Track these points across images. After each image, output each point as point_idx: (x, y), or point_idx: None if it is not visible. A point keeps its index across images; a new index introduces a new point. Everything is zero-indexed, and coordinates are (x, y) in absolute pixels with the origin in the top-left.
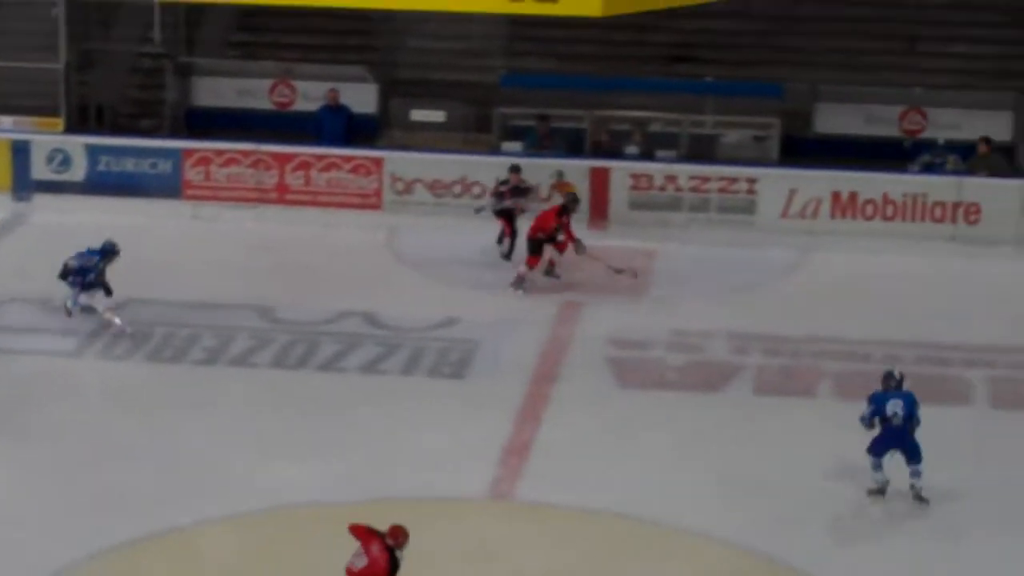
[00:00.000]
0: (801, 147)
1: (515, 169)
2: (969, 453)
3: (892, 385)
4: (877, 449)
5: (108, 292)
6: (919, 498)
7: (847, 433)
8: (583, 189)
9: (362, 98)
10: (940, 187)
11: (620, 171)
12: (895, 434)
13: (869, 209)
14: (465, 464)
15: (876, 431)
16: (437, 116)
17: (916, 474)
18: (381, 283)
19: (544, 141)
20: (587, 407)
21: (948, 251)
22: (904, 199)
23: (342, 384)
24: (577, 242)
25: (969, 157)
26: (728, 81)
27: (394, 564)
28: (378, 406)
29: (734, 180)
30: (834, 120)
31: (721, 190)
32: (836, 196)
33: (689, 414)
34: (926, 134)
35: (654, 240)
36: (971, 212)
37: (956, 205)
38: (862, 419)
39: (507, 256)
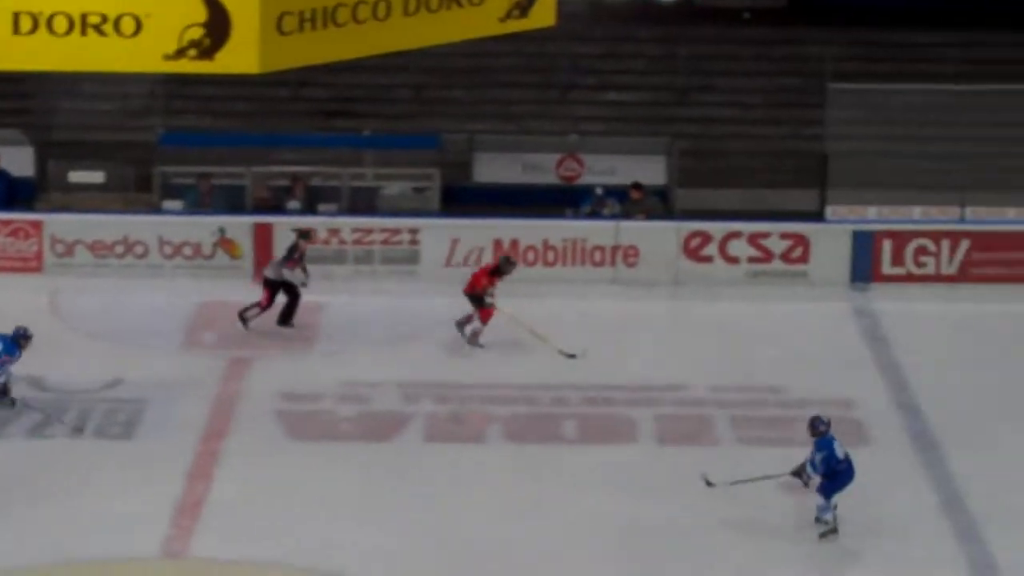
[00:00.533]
0: (461, 196)
1: (305, 235)
2: (639, 487)
3: (824, 430)
4: (831, 492)
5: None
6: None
7: (516, 476)
8: (247, 245)
9: (19, 161)
10: (598, 231)
11: (283, 226)
12: (848, 474)
13: (531, 255)
14: (137, 524)
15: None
16: (96, 177)
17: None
18: (45, 346)
19: (205, 198)
20: (258, 461)
21: (609, 293)
22: (564, 244)
23: (7, 450)
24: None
25: (624, 201)
26: (386, 134)
27: None
28: (46, 470)
29: (396, 231)
30: (492, 169)
31: (384, 241)
32: (498, 243)
33: (361, 463)
34: (583, 180)
35: (320, 293)
36: (629, 255)
37: (615, 248)
38: (811, 466)
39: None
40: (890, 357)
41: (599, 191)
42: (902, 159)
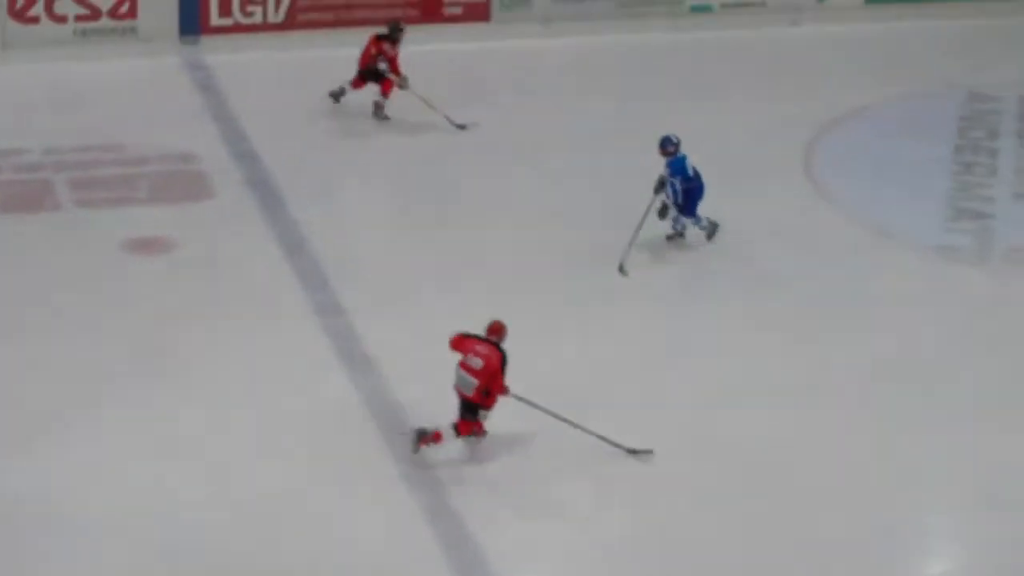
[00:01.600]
0: None
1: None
2: None
3: (673, 150)
4: (694, 209)
5: None
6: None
7: None
8: None
9: None
10: None
11: None
12: (701, 188)
13: None
14: None
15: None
16: None
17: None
18: None
19: None
20: None
21: None
22: None
23: None
24: (403, 77)
25: None
26: None
27: (504, 355)
28: None
29: None
30: None
31: None
32: None
33: None
34: None
35: None
36: None
37: None
38: (672, 189)
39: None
40: (226, 109)
41: None
42: None
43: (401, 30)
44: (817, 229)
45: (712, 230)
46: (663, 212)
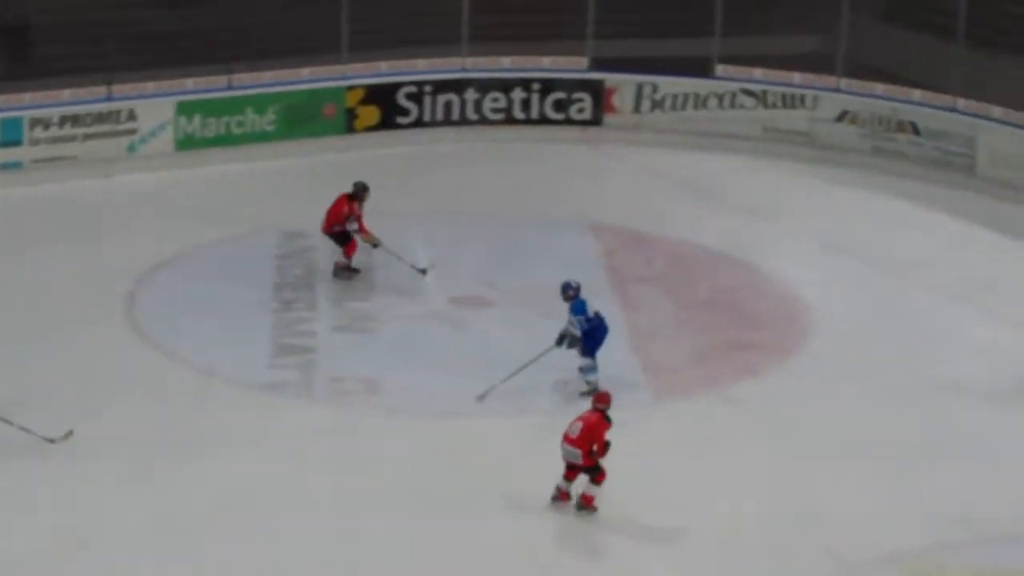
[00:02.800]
0: None
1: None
2: None
3: (573, 294)
4: (594, 350)
5: None
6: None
7: None
8: None
9: None
10: None
11: None
12: (603, 328)
13: None
14: None
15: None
16: None
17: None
18: None
19: None
20: None
21: None
22: None
23: None
24: (371, 235)
25: None
26: None
27: (608, 419)
28: None
29: None
30: None
31: None
32: None
33: None
34: None
35: None
36: None
37: None
38: (578, 328)
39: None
40: None
41: None
42: None
43: (367, 189)
44: (140, 373)
45: (589, 389)
46: (561, 341)
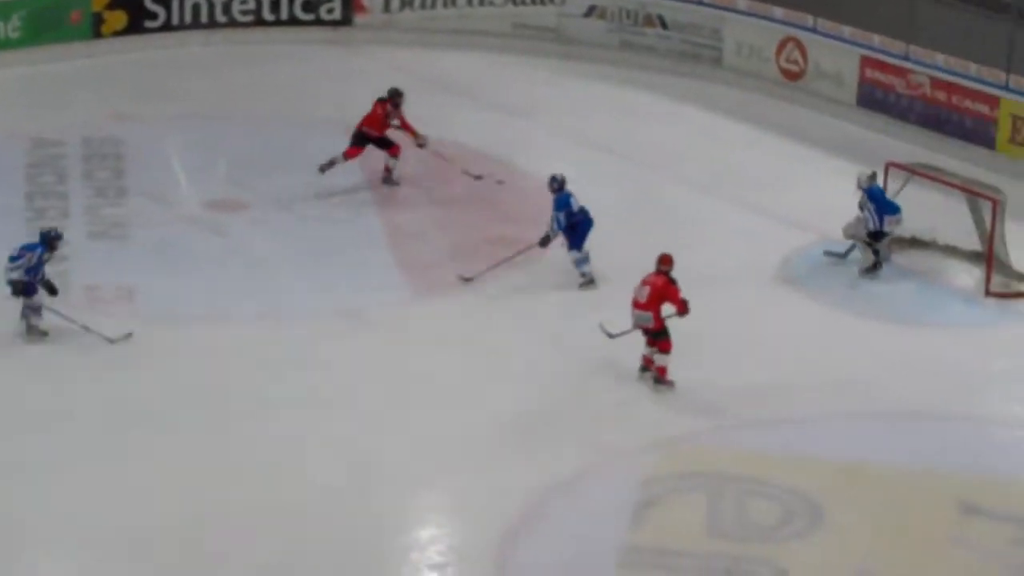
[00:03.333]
0: None
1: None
2: None
3: (558, 187)
4: (579, 243)
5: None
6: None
7: None
8: None
9: None
10: None
11: None
12: (587, 222)
13: None
14: None
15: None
16: None
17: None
18: None
19: None
20: None
21: None
22: None
23: None
24: (418, 135)
25: None
26: None
27: (674, 281)
28: None
29: None
30: None
31: None
32: None
33: None
34: None
35: None
36: None
37: None
38: (557, 224)
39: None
40: None
41: None
42: None
43: (401, 94)
44: None
45: (584, 281)
46: (544, 242)
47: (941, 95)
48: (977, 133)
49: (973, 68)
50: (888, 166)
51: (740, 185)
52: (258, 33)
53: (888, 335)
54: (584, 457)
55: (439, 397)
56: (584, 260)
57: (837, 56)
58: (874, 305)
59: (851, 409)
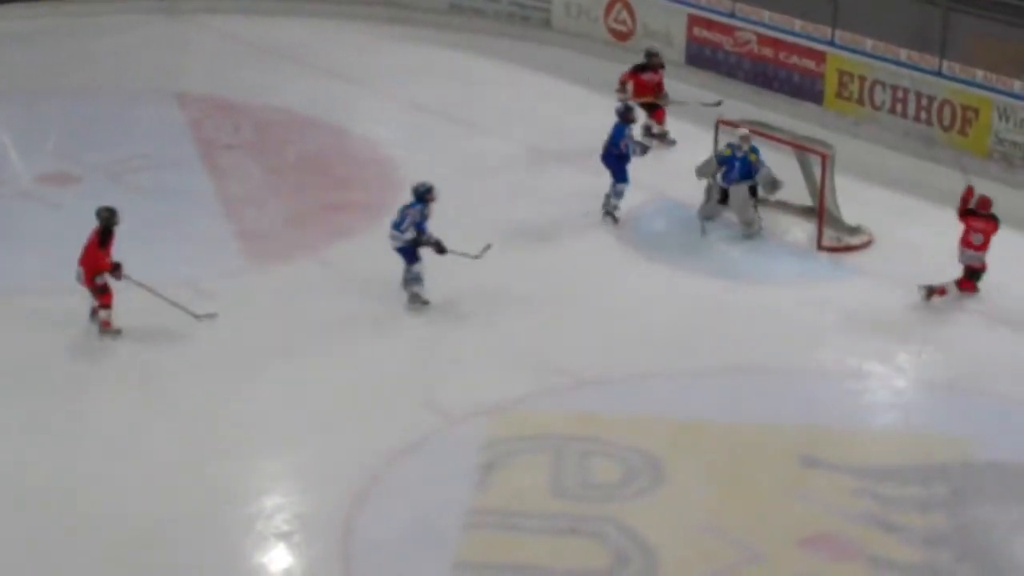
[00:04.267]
0: None
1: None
2: None
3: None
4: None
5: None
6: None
7: None
8: None
9: None
10: None
11: None
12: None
13: None
14: None
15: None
16: None
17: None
18: None
19: None
20: None
21: None
22: None
23: None
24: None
25: None
26: None
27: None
28: None
29: None
30: None
31: None
32: None
33: None
34: None
35: None
36: None
37: None
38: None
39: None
40: None
41: None
42: None
43: (656, 54)
44: None
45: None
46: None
47: (768, 52)
48: (805, 89)
49: (798, 24)
50: (718, 123)
51: (574, 147)
52: (82, 6)
53: (723, 291)
54: (423, 421)
55: (278, 368)
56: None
57: (665, 16)
58: (708, 262)
59: (687, 367)
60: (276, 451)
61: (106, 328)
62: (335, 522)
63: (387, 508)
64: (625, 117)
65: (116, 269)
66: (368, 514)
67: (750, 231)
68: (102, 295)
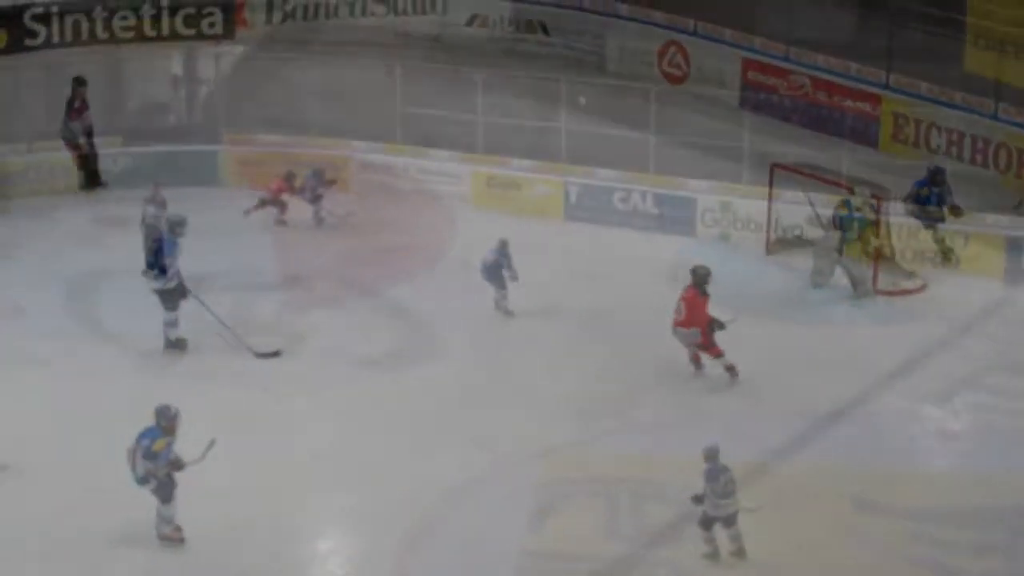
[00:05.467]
0: None
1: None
2: None
3: None
4: None
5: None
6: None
7: None
8: None
9: None
10: None
11: None
12: None
13: None
14: None
15: None
16: None
17: None
18: None
19: None
20: None
21: None
22: None
23: None
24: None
25: None
26: None
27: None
28: None
29: None
30: None
31: None
32: None
33: None
34: None
35: None
36: None
37: None
38: None
39: None
40: None
41: None
42: None
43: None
44: None
45: None
46: None
47: (823, 95)
48: (860, 132)
49: (853, 68)
50: (773, 167)
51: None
52: (141, 49)
53: (778, 334)
54: (475, 463)
55: (327, 412)
56: None
57: (719, 59)
58: (763, 305)
59: (740, 408)
60: (328, 494)
61: None
62: (388, 565)
63: (439, 551)
64: None
65: None
66: (421, 557)
67: (864, 289)
68: None
